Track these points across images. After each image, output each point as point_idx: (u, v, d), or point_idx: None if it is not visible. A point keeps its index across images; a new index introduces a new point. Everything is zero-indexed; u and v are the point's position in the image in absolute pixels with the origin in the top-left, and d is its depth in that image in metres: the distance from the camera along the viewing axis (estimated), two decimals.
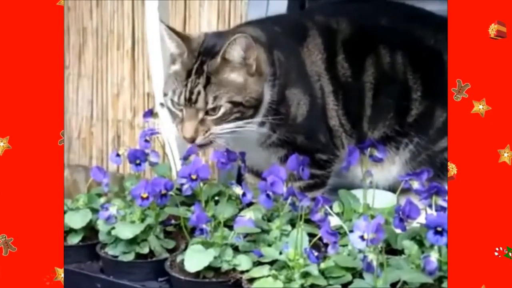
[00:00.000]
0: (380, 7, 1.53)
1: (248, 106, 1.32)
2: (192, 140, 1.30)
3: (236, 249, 1.22)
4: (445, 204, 1.14)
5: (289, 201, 1.23)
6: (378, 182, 1.47)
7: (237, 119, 1.31)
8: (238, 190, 1.28)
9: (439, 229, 1.06)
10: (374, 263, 1.06)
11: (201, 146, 1.32)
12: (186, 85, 1.30)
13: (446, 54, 1.46)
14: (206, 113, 1.30)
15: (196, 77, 1.30)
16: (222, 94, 1.29)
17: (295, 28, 1.49)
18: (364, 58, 1.46)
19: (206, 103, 1.29)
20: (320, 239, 1.16)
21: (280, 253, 1.18)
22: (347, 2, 1.59)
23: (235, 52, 1.30)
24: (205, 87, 1.29)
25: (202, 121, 1.30)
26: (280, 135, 1.40)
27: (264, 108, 1.35)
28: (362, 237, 1.04)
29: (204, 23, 1.87)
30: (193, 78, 1.30)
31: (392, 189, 1.40)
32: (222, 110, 1.29)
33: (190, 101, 1.30)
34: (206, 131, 1.29)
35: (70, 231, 1.35)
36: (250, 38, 1.30)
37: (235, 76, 1.31)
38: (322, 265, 1.13)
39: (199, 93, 1.29)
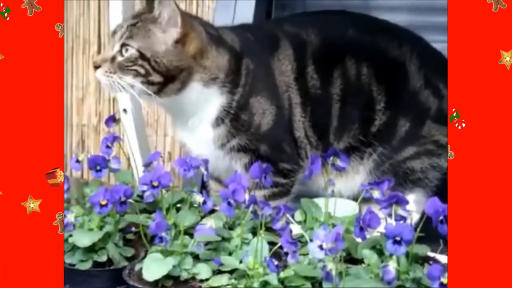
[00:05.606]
0: (346, 19, 1.55)
1: (156, 70, 1.33)
2: (95, 67, 1.34)
3: (196, 258, 1.21)
4: (405, 214, 1.15)
5: (251, 209, 1.22)
6: (343, 192, 1.48)
7: (139, 76, 1.32)
8: (198, 198, 1.27)
9: (397, 238, 1.06)
10: (333, 272, 1.05)
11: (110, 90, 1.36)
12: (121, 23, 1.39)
13: (409, 65, 1.50)
14: (120, 52, 1.33)
15: (132, 17, 1.38)
16: (139, 38, 1.33)
17: (267, 37, 1.49)
18: (332, 70, 1.47)
19: (121, 36, 1.33)
20: (281, 248, 1.15)
21: (240, 261, 1.17)
22: (315, 14, 1.60)
23: (163, 15, 1.34)
24: (131, 25, 1.35)
25: (113, 59, 1.33)
26: (241, 141, 1.40)
27: (173, 88, 1.35)
28: (320, 247, 1.03)
29: None
30: (128, 18, 1.39)
31: (356, 198, 1.40)
32: (128, 53, 1.32)
33: (114, 33, 1.36)
34: (111, 72, 1.32)
35: None
36: (178, 12, 1.33)
37: (160, 35, 1.34)
38: (282, 274, 1.12)
39: (122, 26, 1.36)
